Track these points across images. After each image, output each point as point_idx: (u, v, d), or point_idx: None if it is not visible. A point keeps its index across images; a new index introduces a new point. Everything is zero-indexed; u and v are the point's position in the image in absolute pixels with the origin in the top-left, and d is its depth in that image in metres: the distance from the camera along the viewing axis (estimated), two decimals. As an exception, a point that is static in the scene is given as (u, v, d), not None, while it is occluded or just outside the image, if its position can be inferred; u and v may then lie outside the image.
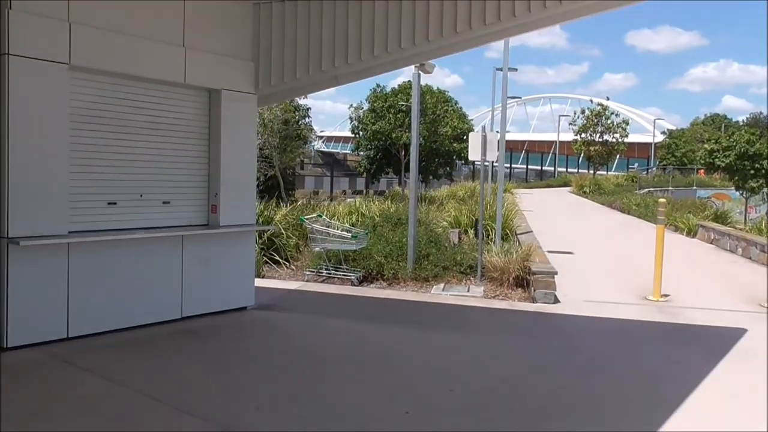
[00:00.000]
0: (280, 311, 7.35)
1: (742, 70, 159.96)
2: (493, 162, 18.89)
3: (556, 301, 8.34)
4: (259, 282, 9.03)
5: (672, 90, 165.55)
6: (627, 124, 38.15)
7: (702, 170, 42.99)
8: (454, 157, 19.65)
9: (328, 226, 9.75)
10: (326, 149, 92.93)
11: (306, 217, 9.62)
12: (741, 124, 54.08)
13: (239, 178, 6.91)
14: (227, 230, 6.77)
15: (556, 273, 8.43)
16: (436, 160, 19.54)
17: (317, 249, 9.40)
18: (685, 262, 11.75)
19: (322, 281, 9.41)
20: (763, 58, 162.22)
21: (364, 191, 26.27)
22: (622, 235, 16.29)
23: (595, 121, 37.35)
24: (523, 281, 9.14)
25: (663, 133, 55.46)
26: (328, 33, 6.69)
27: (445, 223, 13.36)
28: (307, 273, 9.46)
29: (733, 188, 34.02)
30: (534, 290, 8.44)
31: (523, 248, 9.62)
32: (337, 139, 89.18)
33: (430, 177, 20.31)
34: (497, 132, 10.06)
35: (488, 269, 9.48)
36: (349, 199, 21.76)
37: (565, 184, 41.71)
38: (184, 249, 6.43)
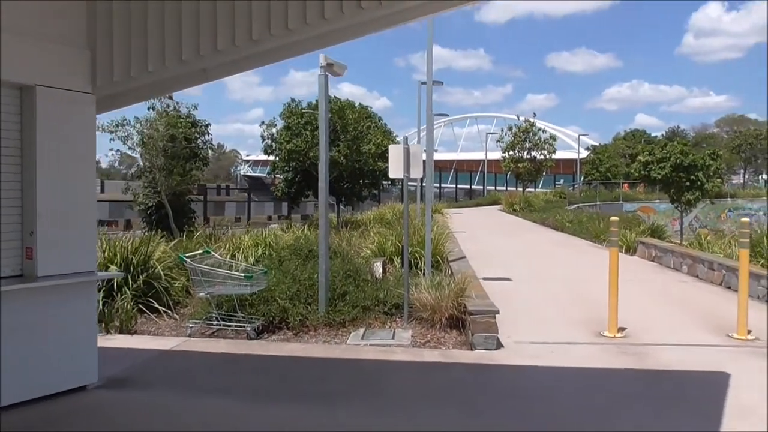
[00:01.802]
0: (135, 388, 5.39)
1: (652, 89, 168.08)
2: (421, 180, 17.51)
3: (499, 345, 6.81)
4: (126, 341, 7.08)
5: (590, 109, 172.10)
6: (554, 140, 38.05)
7: (626, 184, 43.69)
8: (380, 177, 18.07)
9: (219, 265, 7.86)
10: (253, 173, 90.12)
11: (187, 254, 7.70)
12: (659, 138, 55.82)
13: (68, 209, 4.99)
14: (50, 282, 4.82)
15: (498, 312, 6.91)
16: (361, 180, 17.91)
17: (201, 294, 7.50)
18: (632, 285, 10.57)
19: (211, 334, 7.50)
20: (670, 79, 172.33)
21: (287, 216, 24.37)
22: (561, 256, 15.17)
23: (523, 137, 36.96)
24: (458, 321, 7.60)
25: (587, 149, 56.44)
26: (191, 9, 4.94)
27: (368, 251, 11.72)
28: (191, 325, 7.52)
29: (657, 201, 34.47)
30: (472, 334, 6.88)
31: (457, 281, 8.07)
32: (265, 163, 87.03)
33: (355, 199, 18.64)
34: (423, 148, 8.64)
35: (417, 308, 7.88)
36: (272, 225, 19.89)
37: (495, 202, 41.20)
38: (-23, 314, 4.44)
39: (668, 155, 18.00)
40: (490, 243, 17.39)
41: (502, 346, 6.81)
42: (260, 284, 7.64)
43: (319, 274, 7.97)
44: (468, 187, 58.74)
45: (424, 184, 22.41)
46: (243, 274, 7.44)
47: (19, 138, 4.81)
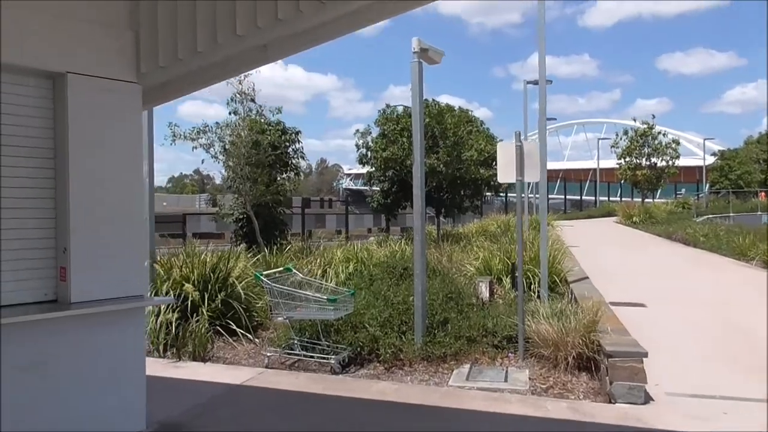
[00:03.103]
0: (189, 440, 4.43)
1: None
2: (529, 184, 15.85)
3: (648, 398, 5.25)
4: (195, 371, 6.21)
5: (709, 113, 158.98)
6: (677, 144, 34.44)
7: (763, 193, 38.94)
8: (482, 186, 16.59)
9: (301, 285, 6.86)
10: (354, 186, 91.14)
11: (266, 272, 6.76)
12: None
13: (110, 221, 4.13)
14: (86, 310, 3.95)
15: (646, 355, 5.34)
16: (462, 190, 16.53)
17: (280, 319, 6.52)
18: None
19: (291, 365, 6.49)
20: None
21: (385, 229, 23.47)
22: (700, 276, 12.94)
23: (641, 142, 33.74)
24: (588, 361, 6.10)
25: (713, 154, 51.22)
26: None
27: (471, 268, 10.36)
28: (269, 354, 6.54)
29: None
30: (610, 381, 5.37)
31: (585, 309, 6.54)
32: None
33: (455, 210, 17.27)
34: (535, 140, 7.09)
35: (535, 342, 6.45)
36: (370, 239, 19.12)
37: (609, 214, 38.15)
38: (-5, 349, 3.62)
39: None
40: (611, 260, 15.39)
41: (652, 399, 5.25)
42: (347, 308, 6.55)
43: (415, 297, 6.76)
44: (577, 197, 55.37)
45: (532, 195, 20.65)
46: (326, 297, 6.36)
47: (53, 137, 4.00)
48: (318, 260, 10.48)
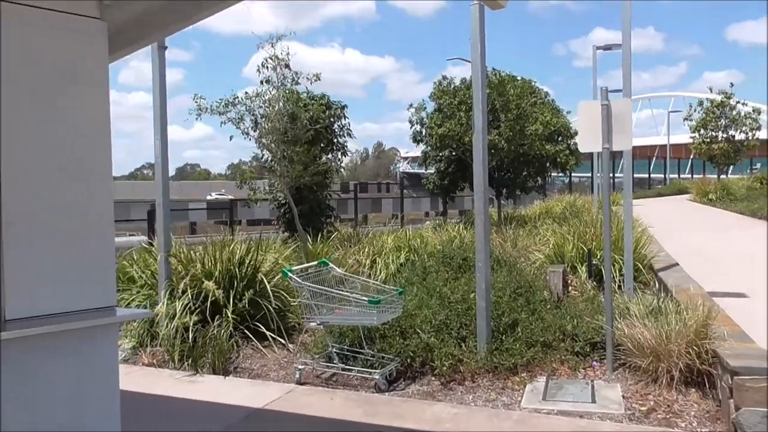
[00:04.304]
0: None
1: None
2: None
3: (794, 433, 3.88)
4: (213, 387, 5.21)
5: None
6: (759, 113, 31.39)
7: None
8: (547, 163, 15.03)
9: (339, 282, 5.75)
10: (411, 170, 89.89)
11: (297, 267, 5.67)
12: None
13: (63, 210, 3.09)
14: (26, 331, 2.92)
15: (793, 375, 3.96)
16: (525, 169, 15.04)
17: (313, 324, 5.42)
18: None
19: (327, 379, 5.41)
20: None
21: (442, 213, 22.23)
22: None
23: (718, 113, 30.93)
24: (699, 374, 4.77)
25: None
26: None
27: (540, 256, 9.00)
28: (300, 366, 5.46)
29: None
30: (736, 407, 4.05)
31: (690, 306, 5.15)
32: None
33: (517, 191, 15.79)
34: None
35: (627, 349, 5.14)
36: (426, 223, 17.97)
37: (681, 192, 35.46)
38: None
39: None
40: (694, 242, 13.56)
41: (801, 434, 3.88)
42: (393, 310, 5.39)
43: (477, 296, 5.53)
44: (644, 175, 52.28)
45: (599, 174, 18.76)
46: (366, 298, 5.22)
47: (-15, 97, 2.98)
48: (366, 249, 9.37)
